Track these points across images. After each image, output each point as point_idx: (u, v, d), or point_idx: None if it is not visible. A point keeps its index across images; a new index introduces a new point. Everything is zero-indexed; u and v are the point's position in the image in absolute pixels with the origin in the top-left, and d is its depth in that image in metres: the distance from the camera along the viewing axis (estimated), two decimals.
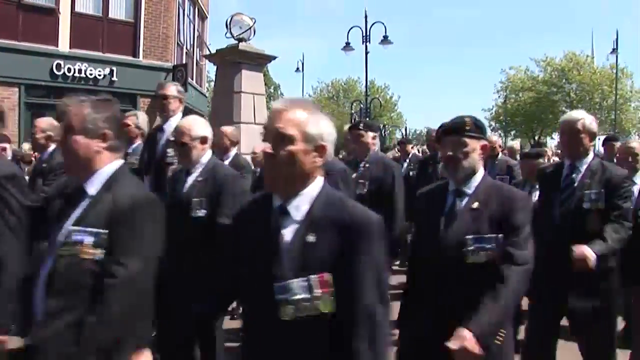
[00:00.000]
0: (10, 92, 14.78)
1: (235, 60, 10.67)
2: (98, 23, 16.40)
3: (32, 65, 14.73)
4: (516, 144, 11.47)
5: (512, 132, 42.00)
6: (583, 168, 3.77)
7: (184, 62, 19.25)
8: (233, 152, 6.47)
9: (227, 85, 10.76)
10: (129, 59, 16.84)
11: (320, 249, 1.88)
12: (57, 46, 15.46)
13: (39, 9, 15.28)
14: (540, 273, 3.36)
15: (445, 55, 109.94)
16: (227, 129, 6.53)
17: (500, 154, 7.67)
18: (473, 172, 2.82)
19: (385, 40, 21.58)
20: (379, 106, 30.27)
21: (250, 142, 10.22)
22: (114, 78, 16.29)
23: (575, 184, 3.74)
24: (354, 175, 4.98)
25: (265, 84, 15.28)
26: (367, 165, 5.19)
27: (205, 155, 4.02)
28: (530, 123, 40.78)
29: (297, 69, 39.25)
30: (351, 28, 22.33)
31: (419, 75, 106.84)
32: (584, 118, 3.76)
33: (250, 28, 10.95)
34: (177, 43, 19.33)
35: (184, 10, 20.41)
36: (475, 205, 2.76)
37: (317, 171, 2.00)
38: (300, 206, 1.95)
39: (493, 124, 44.33)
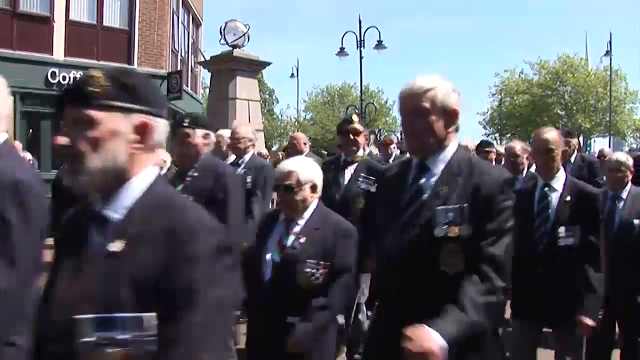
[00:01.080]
0: None
1: (229, 66, 10.73)
2: (92, 31, 16.43)
3: (27, 74, 14.73)
4: (470, 142, 8.59)
5: (507, 135, 42.08)
6: (438, 169, 2.25)
7: (178, 69, 19.27)
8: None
9: (222, 92, 10.81)
10: (123, 66, 16.83)
11: None
12: (52, 54, 15.48)
13: (34, 17, 15.31)
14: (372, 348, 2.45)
15: (440, 59, 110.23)
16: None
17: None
18: (119, 180, 1.43)
19: (379, 45, 21.61)
20: (374, 111, 30.31)
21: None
22: None
23: (425, 196, 2.23)
24: (177, 189, 3.73)
25: (260, 90, 15.33)
26: (195, 174, 3.86)
27: None
28: (525, 126, 40.81)
29: (292, 74, 39.40)
30: (345, 33, 22.39)
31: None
32: (435, 87, 2.21)
33: (244, 34, 11.01)
34: (172, 50, 19.36)
35: (178, 18, 20.45)
36: (118, 246, 1.36)
37: None
38: None
39: (488, 127, 44.46)
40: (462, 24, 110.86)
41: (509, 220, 2.17)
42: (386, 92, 47.11)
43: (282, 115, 51.24)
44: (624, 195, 4.33)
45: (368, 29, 22.04)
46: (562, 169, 3.72)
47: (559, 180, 3.64)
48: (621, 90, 39.76)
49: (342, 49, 22.35)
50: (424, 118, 2.20)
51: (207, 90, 17.12)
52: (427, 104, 2.19)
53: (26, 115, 15.26)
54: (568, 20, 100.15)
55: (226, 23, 11.04)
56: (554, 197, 3.60)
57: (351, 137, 4.59)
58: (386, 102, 46.24)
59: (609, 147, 33.93)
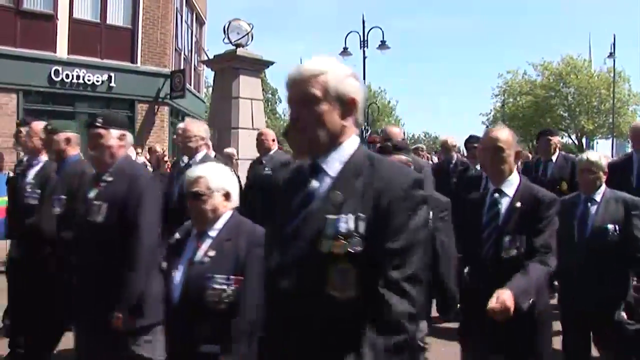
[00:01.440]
0: (9, 98, 14.80)
1: (232, 65, 10.70)
2: (96, 29, 16.42)
3: (31, 72, 14.76)
4: (450, 138, 8.77)
5: None
6: (333, 170, 1.84)
7: (182, 67, 19.27)
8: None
9: (225, 91, 10.78)
10: (127, 64, 16.86)
11: None
12: (55, 52, 15.48)
13: (37, 15, 15.31)
14: None
15: (442, 59, 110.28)
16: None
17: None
18: None
19: (382, 45, 21.63)
20: (376, 111, 30.31)
21: (248, 147, 10.26)
22: (112, 84, 16.31)
23: (314, 203, 1.81)
24: (91, 195, 3.49)
25: (263, 89, 15.33)
26: (110, 178, 3.48)
27: None
28: (528, 127, 40.72)
29: None
30: (349, 33, 22.40)
31: (417, 79, 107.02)
32: (327, 71, 1.83)
33: (247, 34, 10.99)
34: (175, 49, 19.35)
35: (181, 16, 20.44)
36: None
37: None
38: None
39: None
40: (465, 24, 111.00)
41: (418, 232, 1.76)
42: (389, 92, 47.14)
43: (285, 115, 51.23)
44: (598, 198, 4.00)
45: (371, 29, 22.07)
46: (515, 172, 3.26)
47: (512, 185, 3.19)
48: (624, 92, 39.68)
49: (345, 48, 22.36)
50: (313, 107, 1.81)
51: (210, 89, 17.11)
52: (317, 91, 1.81)
53: (29, 113, 15.24)
54: (571, 21, 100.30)
55: (230, 22, 11.02)
56: (505, 204, 3.15)
57: None
58: (389, 102, 46.29)
59: (612, 149, 33.97)
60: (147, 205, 3.42)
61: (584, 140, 41.03)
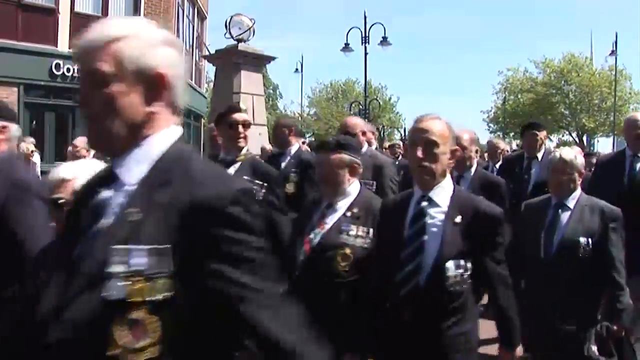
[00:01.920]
0: (10, 91, 14.79)
1: (234, 60, 10.70)
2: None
3: (32, 65, 14.74)
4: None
5: (511, 134, 42.03)
6: (130, 177, 1.32)
7: None
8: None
9: (226, 86, 10.78)
10: None
11: None
12: (56, 46, 15.47)
13: (39, 8, 15.30)
14: None
15: (445, 57, 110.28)
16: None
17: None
18: None
19: (384, 41, 21.56)
20: (377, 107, 30.29)
21: (249, 142, 10.25)
22: None
23: (102, 224, 1.29)
24: None
25: (264, 85, 15.32)
26: None
27: None
28: None
29: (296, 69, 39.36)
30: (350, 29, 22.34)
31: (418, 76, 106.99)
32: (123, 37, 1.33)
33: (249, 29, 10.98)
34: None
35: (183, 11, 20.43)
36: None
37: None
38: None
39: (492, 125, 44.40)
40: (466, 22, 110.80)
41: (262, 268, 1.28)
42: (390, 88, 47.08)
43: (285, 111, 51.22)
44: (571, 204, 3.42)
45: (373, 25, 22.01)
46: (449, 176, 2.58)
47: (444, 192, 2.53)
48: (626, 90, 39.65)
49: (347, 44, 22.32)
50: (102, 88, 1.31)
51: (212, 84, 17.09)
52: (106, 65, 1.30)
53: (30, 107, 15.25)
54: (573, 19, 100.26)
55: (231, 17, 11.00)
56: (436, 217, 2.49)
57: (239, 129, 3.71)
58: (390, 98, 46.24)
59: (613, 146, 33.92)
60: (34, 214, 2.66)
61: (584, 138, 41.03)
